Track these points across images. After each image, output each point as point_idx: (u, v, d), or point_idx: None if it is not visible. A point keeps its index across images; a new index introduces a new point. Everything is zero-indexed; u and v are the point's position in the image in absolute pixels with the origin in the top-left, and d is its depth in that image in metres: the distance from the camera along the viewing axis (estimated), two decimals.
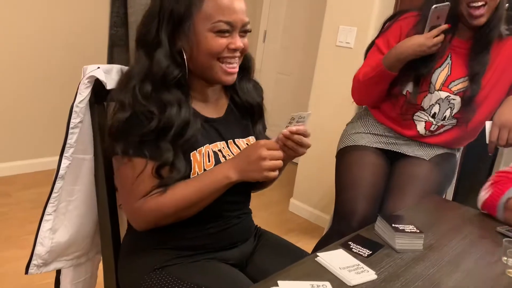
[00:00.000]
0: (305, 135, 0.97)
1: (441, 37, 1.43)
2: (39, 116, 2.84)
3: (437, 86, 1.53)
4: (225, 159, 1.01)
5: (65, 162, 1.04)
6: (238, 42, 0.96)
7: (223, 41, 0.94)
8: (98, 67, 1.02)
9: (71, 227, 1.10)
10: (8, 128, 2.74)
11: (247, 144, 1.08)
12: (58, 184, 1.05)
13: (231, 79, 1.00)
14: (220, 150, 1.01)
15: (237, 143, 1.06)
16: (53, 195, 1.05)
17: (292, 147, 0.97)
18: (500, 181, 1.22)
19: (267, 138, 1.14)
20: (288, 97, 3.82)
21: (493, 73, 1.51)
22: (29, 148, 2.86)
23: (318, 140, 2.67)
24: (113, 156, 0.97)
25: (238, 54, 0.98)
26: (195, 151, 0.97)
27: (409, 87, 1.54)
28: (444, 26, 1.43)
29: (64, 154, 1.04)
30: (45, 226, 1.06)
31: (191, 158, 0.96)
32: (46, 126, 2.85)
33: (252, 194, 1.16)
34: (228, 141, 1.04)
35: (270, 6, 3.85)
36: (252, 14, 3.91)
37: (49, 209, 1.06)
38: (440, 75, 1.53)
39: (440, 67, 1.53)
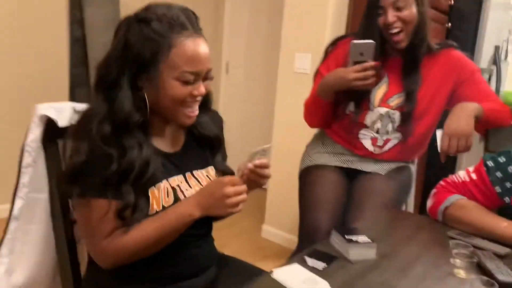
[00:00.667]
0: (266, 167, 1.00)
1: (368, 73, 1.47)
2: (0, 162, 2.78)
3: (376, 103, 1.61)
4: (183, 194, 1.02)
5: (19, 203, 1.04)
6: (201, 89, 0.98)
7: (187, 89, 0.96)
8: (50, 106, 1.04)
9: (29, 267, 1.08)
10: None
11: (206, 176, 1.10)
12: (11, 226, 1.04)
13: (191, 121, 1.02)
14: (178, 185, 1.02)
15: (195, 175, 1.07)
16: (8, 236, 1.04)
17: (255, 180, 1.00)
18: (440, 191, 1.28)
19: (228, 168, 1.17)
20: (253, 124, 3.88)
21: (429, 87, 1.61)
22: None
23: (284, 164, 2.70)
24: (71, 198, 0.97)
25: (199, 99, 1.00)
26: (153, 187, 0.97)
27: (351, 107, 1.63)
28: (370, 64, 1.47)
29: (18, 194, 1.04)
30: (1, 269, 1.04)
31: (149, 194, 0.97)
32: (7, 171, 2.79)
33: (223, 224, 1.17)
34: (186, 174, 1.06)
35: (230, 37, 3.96)
36: (213, 46, 4.00)
37: (3, 251, 1.04)
38: (377, 92, 1.62)
39: (377, 85, 1.61)
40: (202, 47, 0.96)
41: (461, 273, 0.96)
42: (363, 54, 1.48)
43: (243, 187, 0.95)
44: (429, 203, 1.29)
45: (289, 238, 2.75)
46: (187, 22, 0.95)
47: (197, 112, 1.02)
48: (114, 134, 0.93)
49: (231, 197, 0.92)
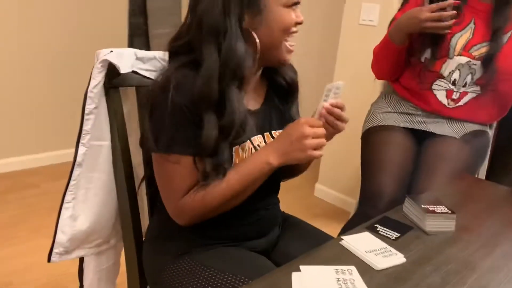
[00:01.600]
0: (342, 108, 0.92)
1: (444, 13, 1.33)
2: (64, 107, 2.88)
3: (457, 50, 1.45)
4: None
5: (82, 149, 1.03)
6: (301, 15, 0.93)
7: (293, 16, 0.91)
8: (111, 51, 1.00)
9: (91, 214, 1.09)
10: (34, 120, 2.79)
11: None
12: (76, 172, 1.04)
13: (291, 57, 0.96)
14: (258, 145, 0.96)
15: (274, 135, 1.01)
16: (72, 182, 1.04)
17: (333, 123, 0.92)
18: None
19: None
20: (310, 76, 3.72)
21: None
22: (55, 139, 2.90)
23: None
24: (156, 151, 0.90)
25: (298, 29, 0.94)
26: (238, 146, 0.92)
27: (427, 54, 1.47)
28: (447, 3, 1.32)
29: (81, 141, 1.03)
30: (65, 214, 1.06)
31: (233, 153, 0.92)
32: (71, 116, 2.89)
33: None
34: (265, 134, 1.00)
35: None
36: None
37: (68, 197, 1.05)
38: (460, 39, 1.45)
39: (461, 31, 1.45)
40: None
41: None
42: None
43: (322, 129, 0.87)
44: None
45: (342, 198, 2.69)
46: None
47: (294, 49, 0.95)
48: (218, 91, 0.85)
49: (309, 137, 0.84)
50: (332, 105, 0.90)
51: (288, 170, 1.02)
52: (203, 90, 0.84)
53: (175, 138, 0.86)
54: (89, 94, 1.00)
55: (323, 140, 0.86)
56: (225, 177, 0.88)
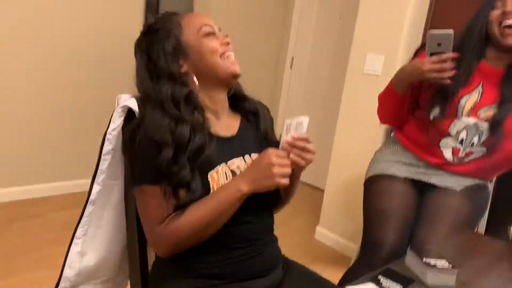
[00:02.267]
0: (308, 141, 0.98)
1: (445, 65, 1.39)
2: (74, 140, 2.93)
3: (465, 112, 1.50)
4: None
5: (96, 188, 1.07)
6: (226, 37, 1.08)
7: (215, 41, 1.05)
8: (132, 97, 1.06)
9: (100, 251, 1.11)
10: (44, 150, 2.83)
11: None
12: (88, 209, 1.07)
13: (237, 67, 1.07)
14: (238, 167, 1.03)
15: (253, 157, 1.08)
16: (83, 219, 1.07)
17: (298, 155, 0.98)
18: None
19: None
20: (314, 122, 3.80)
21: None
22: (63, 170, 2.94)
23: (345, 167, 2.64)
24: (132, 186, 1.00)
25: (229, 48, 1.07)
26: (213, 170, 0.99)
27: (436, 111, 1.52)
28: (447, 55, 1.39)
29: (96, 180, 1.07)
30: (74, 249, 1.08)
31: (209, 179, 0.98)
32: (80, 150, 2.94)
33: (277, 222, 1.15)
34: (245, 156, 1.07)
35: (297, 32, 3.91)
36: (280, 40, 3.97)
37: (78, 233, 1.08)
38: (468, 101, 1.50)
39: (469, 93, 1.50)
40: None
41: None
42: (441, 45, 1.39)
43: (287, 160, 0.95)
44: None
45: (343, 243, 2.69)
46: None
47: (236, 60, 1.08)
48: (166, 117, 0.97)
49: (275, 166, 0.93)
50: (294, 138, 0.97)
51: (272, 199, 1.10)
52: (151, 121, 0.96)
53: (145, 169, 0.96)
54: (107, 136, 1.05)
55: (288, 169, 0.95)
56: (197, 205, 0.95)
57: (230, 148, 1.06)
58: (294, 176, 1.07)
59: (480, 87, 1.51)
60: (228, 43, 1.07)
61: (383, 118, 1.72)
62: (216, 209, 0.95)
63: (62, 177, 2.94)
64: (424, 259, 0.97)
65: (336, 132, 2.71)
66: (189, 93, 1.02)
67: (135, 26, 3.03)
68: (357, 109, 2.58)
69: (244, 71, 1.11)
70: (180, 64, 1.04)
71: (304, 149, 0.98)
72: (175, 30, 1.04)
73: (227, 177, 1.00)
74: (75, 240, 1.09)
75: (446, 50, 1.39)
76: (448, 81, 1.42)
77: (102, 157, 1.06)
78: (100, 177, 1.07)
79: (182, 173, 0.94)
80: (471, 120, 1.50)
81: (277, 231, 1.15)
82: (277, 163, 0.93)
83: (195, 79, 1.04)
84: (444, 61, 1.39)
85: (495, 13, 1.42)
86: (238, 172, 1.02)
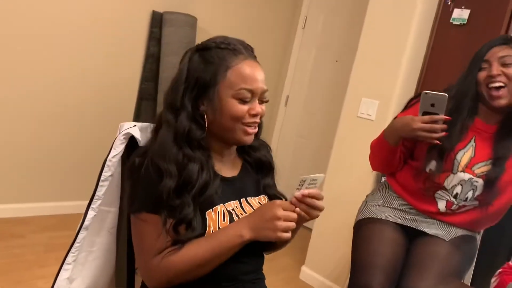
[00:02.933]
0: (318, 197, 0.99)
1: (436, 126, 1.42)
2: (59, 162, 2.90)
3: (461, 167, 1.54)
4: (238, 218, 1.03)
5: (91, 213, 1.07)
6: (258, 108, 1.04)
7: (244, 107, 1.02)
8: (135, 125, 1.08)
9: (88, 277, 1.11)
10: (27, 170, 2.80)
11: (259, 202, 1.11)
12: (81, 235, 1.07)
13: (250, 139, 1.07)
14: (233, 209, 1.03)
15: (249, 201, 1.09)
16: (76, 244, 1.07)
17: (305, 211, 0.98)
18: (506, 272, 1.24)
19: (279, 193, 1.19)
20: (307, 161, 3.85)
21: None
22: (46, 191, 2.90)
23: (335, 209, 2.65)
24: (130, 213, 1.00)
25: (257, 119, 1.06)
26: (211, 209, 0.99)
27: (432, 165, 1.55)
28: (439, 117, 1.43)
29: (91, 206, 1.07)
30: (63, 275, 1.07)
31: (207, 217, 0.98)
32: (66, 172, 2.91)
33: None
34: (241, 199, 1.07)
35: (294, 71, 4.00)
36: (276, 79, 4.06)
37: (69, 258, 1.07)
38: (464, 156, 1.54)
39: (463, 148, 1.55)
40: (257, 68, 1.03)
41: None
42: (434, 106, 1.43)
43: (294, 214, 0.95)
44: (493, 282, 1.22)
45: (327, 285, 2.67)
46: (243, 49, 1.04)
47: (255, 130, 1.07)
48: (177, 150, 0.98)
49: (280, 219, 0.92)
50: (304, 195, 0.97)
51: (266, 244, 1.08)
52: (160, 149, 0.97)
53: (145, 198, 0.96)
54: (107, 162, 1.06)
55: (293, 223, 0.94)
56: (196, 243, 0.95)
57: (230, 189, 1.07)
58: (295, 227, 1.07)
59: (473, 141, 1.55)
60: (257, 115, 1.04)
61: (374, 166, 1.75)
62: (215, 250, 0.94)
63: (44, 198, 2.89)
64: None
65: (328, 173, 2.73)
66: (203, 138, 1.02)
67: (137, 56, 3.09)
68: (349, 152, 2.62)
69: None
70: (201, 102, 1.03)
71: (312, 206, 0.98)
72: (219, 70, 1.01)
73: (224, 217, 1.00)
74: (65, 266, 1.08)
75: (439, 112, 1.43)
76: (437, 142, 1.46)
77: (100, 183, 1.06)
78: (96, 203, 1.07)
79: (186, 211, 0.94)
80: (466, 176, 1.53)
81: (263, 268, 1.14)
82: (283, 217, 0.93)
83: (206, 123, 1.03)
84: (435, 121, 1.43)
85: (482, 75, 1.49)
86: (234, 213, 1.03)
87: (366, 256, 1.55)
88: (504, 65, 1.46)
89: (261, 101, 1.06)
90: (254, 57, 1.06)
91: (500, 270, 1.26)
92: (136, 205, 0.97)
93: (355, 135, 2.59)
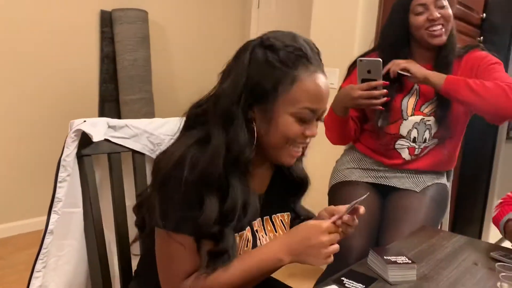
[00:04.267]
0: (360, 216, 0.93)
1: (375, 92, 1.44)
2: (29, 176, 2.83)
3: (409, 112, 1.58)
4: (260, 242, 0.97)
5: (54, 217, 1.04)
6: (315, 129, 0.91)
7: (301, 128, 0.89)
8: (85, 121, 1.05)
9: (62, 283, 1.08)
10: None
11: (281, 221, 1.04)
12: (47, 240, 1.04)
13: (293, 162, 0.95)
14: (257, 231, 0.97)
15: (273, 219, 1.02)
16: (43, 251, 1.04)
17: (346, 231, 0.92)
18: (505, 202, 1.27)
19: (310, 213, 1.13)
20: None
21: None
22: (21, 209, 2.83)
23: (313, 184, 2.66)
24: (162, 228, 0.87)
25: (309, 140, 0.94)
26: (237, 234, 0.91)
27: (381, 121, 1.58)
28: (376, 82, 1.44)
29: (53, 209, 1.04)
30: (35, 283, 1.04)
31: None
32: (36, 185, 2.85)
33: None
34: (264, 218, 1.00)
35: None
36: None
37: (38, 266, 1.04)
38: (409, 101, 1.59)
39: (408, 94, 1.59)
40: (326, 85, 0.90)
41: None
42: (371, 72, 1.44)
43: (337, 235, 0.86)
44: (493, 213, 1.26)
45: None
46: (312, 55, 0.89)
47: (300, 154, 0.95)
48: (224, 175, 0.85)
49: (327, 246, 0.84)
50: (353, 219, 0.91)
51: None
52: (208, 169, 0.83)
53: (185, 218, 0.84)
54: (62, 162, 1.03)
55: (336, 247, 0.86)
56: (229, 266, 0.85)
57: (256, 205, 0.96)
58: None
59: (416, 85, 1.60)
60: (311, 136, 0.92)
61: (332, 140, 1.75)
62: (252, 273, 0.87)
63: (20, 216, 2.83)
64: (385, 257, 0.99)
65: None
66: (252, 156, 0.88)
67: (92, 59, 3.02)
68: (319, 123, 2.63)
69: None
70: (252, 111, 0.88)
71: (352, 225, 0.93)
72: (284, 80, 0.86)
73: (248, 244, 0.94)
74: (35, 274, 1.05)
75: (376, 77, 1.44)
76: (380, 107, 1.48)
77: (58, 184, 1.04)
78: (57, 206, 1.05)
79: (226, 243, 0.85)
80: (418, 118, 1.58)
81: None
82: (329, 242, 0.84)
83: (255, 136, 0.88)
84: (374, 87, 1.44)
85: (420, 19, 1.52)
86: (257, 238, 0.96)
87: None
88: (440, 7, 1.51)
89: (318, 120, 0.93)
90: (322, 66, 0.92)
91: (500, 200, 1.29)
92: (172, 223, 0.85)
93: None
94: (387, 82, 1.47)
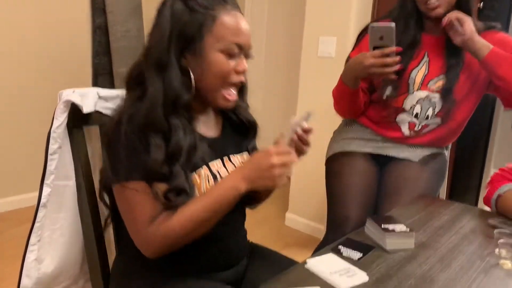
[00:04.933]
0: (311, 132, 0.99)
1: (388, 60, 1.38)
2: (25, 150, 2.82)
3: (416, 86, 1.53)
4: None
5: (46, 190, 1.03)
6: (244, 64, 0.97)
7: (231, 64, 0.94)
8: (74, 91, 1.02)
9: (58, 256, 1.07)
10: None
11: (241, 162, 1.06)
12: (40, 213, 1.03)
13: (230, 105, 0.99)
14: (218, 171, 0.98)
15: (232, 159, 1.04)
16: (36, 224, 1.03)
17: (301, 148, 0.98)
18: (495, 179, 1.26)
19: None
20: (275, 111, 3.83)
21: (471, 69, 1.52)
22: (17, 183, 2.82)
23: (309, 152, 2.66)
24: (115, 182, 0.91)
25: (243, 77, 0.99)
26: (195, 173, 0.94)
27: (388, 91, 1.54)
28: (389, 49, 1.38)
29: (45, 182, 1.03)
30: (30, 257, 1.04)
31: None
32: (32, 160, 2.83)
33: (247, 212, 1.13)
34: (224, 158, 1.02)
35: (251, 22, 3.89)
36: None
37: (32, 239, 1.03)
38: (417, 74, 1.54)
39: (417, 66, 1.54)
40: (244, 21, 0.96)
41: (508, 264, 0.90)
42: (383, 38, 1.37)
43: (289, 157, 0.89)
44: (485, 191, 1.24)
45: (313, 226, 2.72)
46: None
47: (235, 97, 1.00)
48: (164, 118, 0.90)
49: (276, 167, 0.86)
50: (304, 130, 0.96)
51: (253, 197, 1.05)
52: (148, 116, 0.89)
53: (131, 166, 0.89)
54: (52, 134, 1.01)
55: (289, 168, 0.89)
56: (190, 204, 0.89)
57: (212, 149, 1.00)
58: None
59: (426, 57, 1.55)
60: (242, 72, 0.97)
61: (341, 113, 1.71)
62: (212, 207, 0.89)
63: (18, 191, 2.83)
64: (382, 226, 0.98)
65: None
66: (190, 99, 0.94)
67: (84, 31, 2.94)
68: (314, 93, 2.60)
69: None
70: (185, 58, 0.94)
71: (305, 142, 0.98)
72: (206, 21, 0.92)
73: (209, 181, 0.95)
74: (30, 247, 1.04)
75: (388, 44, 1.38)
76: (393, 76, 1.42)
77: (49, 157, 1.01)
78: (49, 178, 1.03)
79: (178, 180, 0.88)
80: (423, 94, 1.53)
81: (247, 221, 1.13)
82: (280, 164, 0.87)
83: (193, 81, 0.94)
84: (387, 55, 1.39)
85: None
86: (219, 176, 0.98)
87: (340, 189, 1.56)
88: None
89: (246, 58, 0.99)
90: (240, 10, 0.97)
91: (490, 179, 1.28)
92: (122, 174, 0.89)
93: (318, 76, 2.56)
94: (401, 48, 1.41)
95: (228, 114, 1.09)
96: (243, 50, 0.96)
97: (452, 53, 1.51)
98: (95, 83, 3.04)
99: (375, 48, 1.39)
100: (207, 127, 1.03)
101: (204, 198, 0.90)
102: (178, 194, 0.89)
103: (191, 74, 0.94)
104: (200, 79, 0.95)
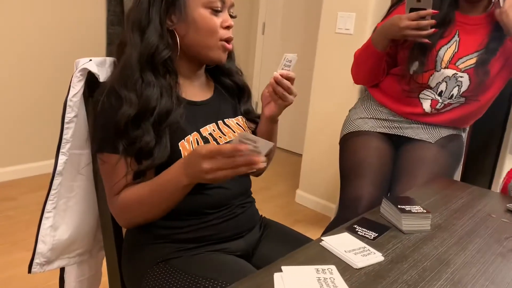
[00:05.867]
0: (291, 79, 1.00)
1: (423, 22, 1.36)
2: (40, 118, 2.84)
3: (444, 64, 1.49)
4: (217, 141, 1.00)
5: (62, 158, 1.03)
6: (230, 20, 0.99)
7: (217, 19, 0.96)
8: (90, 60, 1.00)
9: (72, 223, 1.08)
10: (10, 131, 2.74)
11: (237, 124, 1.07)
12: (56, 181, 1.03)
13: (225, 57, 1.01)
14: (210, 134, 0.99)
15: (227, 122, 1.05)
16: (52, 192, 1.03)
17: (281, 94, 0.99)
18: (510, 172, 1.24)
19: (258, 116, 1.16)
20: None
21: (503, 52, 1.47)
22: (33, 151, 2.86)
23: (322, 129, 2.64)
24: (92, 153, 0.98)
25: (231, 33, 1.00)
26: (183, 140, 0.95)
27: (415, 66, 1.50)
28: (426, 12, 1.35)
29: (61, 150, 1.02)
30: (46, 223, 1.05)
31: (180, 148, 0.94)
32: (48, 128, 2.85)
33: (258, 187, 1.13)
34: (218, 121, 1.03)
35: None
36: (250, 7, 3.88)
37: (48, 206, 1.04)
38: (446, 52, 1.49)
39: (446, 44, 1.49)
40: None
41: None
42: (421, 0, 1.36)
43: (224, 161, 0.79)
44: (503, 181, 1.22)
45: (323, 204, 2.72)
46: None
47: (231, 47, 1.01)
48: (139, 74, 0.92)
49: (208, 172, 0.80)
50: (283, 75, 0.97)
51: None
52: (121, 73, 0.92)
53: (104, 137, 0.92)
54: (68, 102, 1.00)
55: (225, 172, 0.80)
56: (143, 184, 0.91)
57: (204, 112, 1.02)
58: (272, 123, 1.09)
59: (456, 36, 1.50)
60: (230, 27, 0.98)
61: (358, 78, 1.69)
62: (157, 190, 0.90)
63: (30, 158, 2.86)
64: (399, 206, 0.97)
65: (311, 95, 2.69)
66: (169, 57, 0.95)
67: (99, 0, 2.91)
68: (331, 70, 2.56)
69: None
70: (170, 19, 0.95)
71: (288, 89, 0.99)
72: None
73: (199, 145, 0.96)
74: (45, 214, 1.05)
75: (426, 6, 1.36)
76: (426, 40, 1.40)
77: (65, 125, 1.01)
78: (65, 147, 1.02)
79: (145, 138, 0.89)
80: (450, 72, 1.49)
81: (258, 197, 1.13)
82: (209, 169, 0.80)
83: (178, 41, 0.96)
84: (423, 17, 1.36)
85: None
86: (211, 138, 0.99)
87: (354, 168, 1.55)
88: None
89: (230, 16, 1.00)
90: None
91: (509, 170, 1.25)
92: (97, 145, 0.93)
93: (335, 52, 2.52)
94: (437, 11, 1.38)
95: (220, 79, 1.11)
96: (226, 6, 0.97)
97: (495, 30, 1.46)
98: (109, 53, 3.02)
99: (411, 10, 1.38)
100: (197, 90, 1.04)
101: (153, 183, 0.91)
102: (145, 157, 0.90)
103: (176, 34, 0.95)
104: (187, 38, 0.96)
